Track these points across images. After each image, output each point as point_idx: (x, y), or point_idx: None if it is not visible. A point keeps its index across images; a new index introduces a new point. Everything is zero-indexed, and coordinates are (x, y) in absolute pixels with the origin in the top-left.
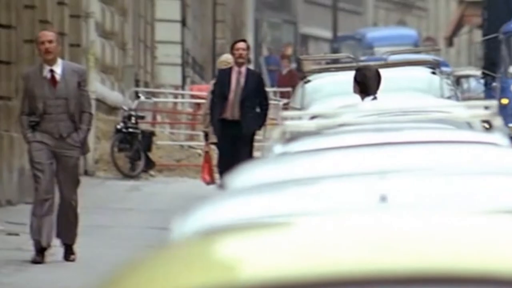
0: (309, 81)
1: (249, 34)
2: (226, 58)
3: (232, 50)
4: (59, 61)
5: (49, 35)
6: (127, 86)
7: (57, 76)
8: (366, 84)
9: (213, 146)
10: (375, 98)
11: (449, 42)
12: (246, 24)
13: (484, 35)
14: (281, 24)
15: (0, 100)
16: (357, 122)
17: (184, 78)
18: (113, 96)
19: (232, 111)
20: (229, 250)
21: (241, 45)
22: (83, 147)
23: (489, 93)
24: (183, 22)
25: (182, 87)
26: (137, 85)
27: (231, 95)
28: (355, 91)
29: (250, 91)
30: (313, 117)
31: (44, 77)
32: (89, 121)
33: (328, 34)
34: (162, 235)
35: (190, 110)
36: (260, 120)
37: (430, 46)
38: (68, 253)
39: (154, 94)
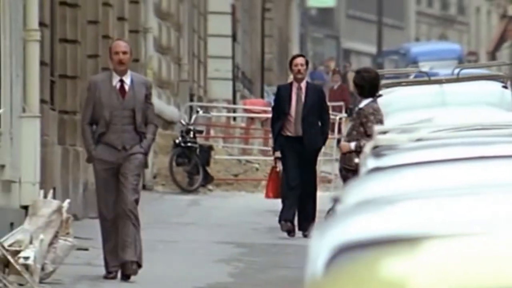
0: (380, 95)
1: (294, 49)
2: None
3: (290, 66)
4: (129, 72)
5: (123, 45)
6: (182, 100)
7: (127, 87)
8: (365, 87)
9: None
10: (374, 100)
11: (492, 57)
12: (291, 39)
13: None
14: (324, 39)
15: (66, 114)
16: (449, 136)
17: (234, 92)
18: (169, 110)
19: (295, 128)
20: (399, 268)
21: (299, 60)
22: (146, 156)
23: None
24: (234, 37)
25: (234, 101)
26: (191, 99)
27: (292, 112)
28: (355, 93)
29: (311, 106)
30: (385, 132)
31: (113, 87)
32: (154, 132)
33: (369, 48)
34: (228, 250)
35: (242, 124)
36: (323, 136)
37: (502, 61)
38: (127, 272)
39: (207, 108)
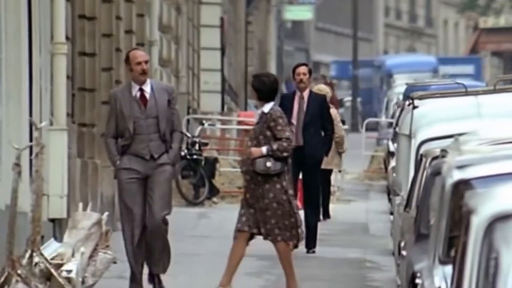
0: (417, 106)
1: (272, 61)
2: (318, 88)
3: (293, 75)
4: (148, 80)
5: (144, 55)
6: (181, 113)
7: (147, 95)
8: (264, 91)
9: None
10: (274, 105)
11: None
12: (270, 52)
13: None
14: (294, 52)
15: (84, 127)
16: None
17: (223, 105)
18: None
19: (296, 137)
20: None
21: (302, 69)
22: (174, 166)
23: None
24: (222, 50)
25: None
26: (188, 112)
27: (294, 121)
28: (252, 98)
29: (313, 116)
30: (423, 142)
31: (133, 97)
32: (180, 140)
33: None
34: (252, 263)
35: (235, 136)
36: (325, 147)
37: None
38: (157, 285)
39: (203, 121)
